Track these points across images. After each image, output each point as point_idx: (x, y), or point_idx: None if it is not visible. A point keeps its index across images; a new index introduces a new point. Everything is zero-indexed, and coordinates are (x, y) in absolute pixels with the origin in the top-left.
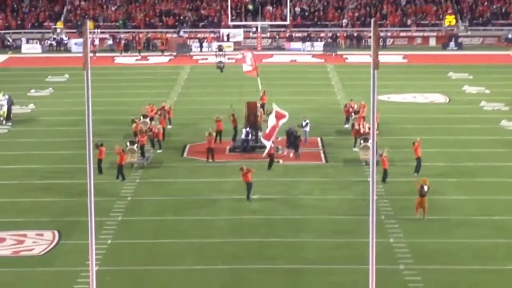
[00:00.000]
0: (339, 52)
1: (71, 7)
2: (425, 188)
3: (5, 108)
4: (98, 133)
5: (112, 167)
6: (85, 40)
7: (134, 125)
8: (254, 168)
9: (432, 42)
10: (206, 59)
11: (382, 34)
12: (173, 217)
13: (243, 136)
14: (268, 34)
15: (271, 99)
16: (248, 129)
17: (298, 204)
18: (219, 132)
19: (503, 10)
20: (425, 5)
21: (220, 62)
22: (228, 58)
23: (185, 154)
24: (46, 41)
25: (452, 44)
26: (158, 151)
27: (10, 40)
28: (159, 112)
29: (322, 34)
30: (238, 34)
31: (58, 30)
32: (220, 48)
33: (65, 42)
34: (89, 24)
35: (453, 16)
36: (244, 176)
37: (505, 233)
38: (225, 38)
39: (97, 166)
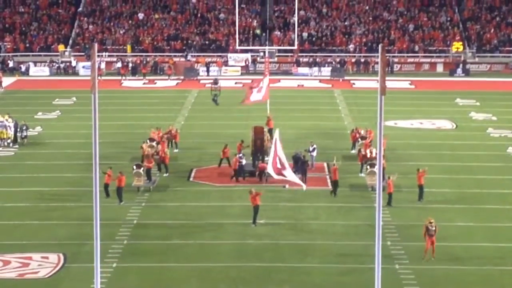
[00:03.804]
0: (346, 77)
1: (79, 30)
2: (432, 227)
3: (11, 131)
4: (105, 156)
5: None
6: (93, 64)
7: (142, 150)
8: (262, 192)
9: (440, 68)
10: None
11: (389, 59)
12: (179, 241)
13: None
14: (276, 59)
15: (278, 124)
16: (240, 154)
17: (304, 229)
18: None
19: (511, 37)
20: (432, 31)
21: (215, 95)
22: (235, 83)
23: (191, 178)
24: (54, 64)
25: (459, 70)
26: (165, 174)
27: (22, 68)
28: (164, 136)
29: (330, 59)
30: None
31: (66, 54)
32: (215, 82)
33: (73, 65)
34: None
35: (461, 43)
36: (253, 199)
37: None
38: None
39: (103, 189)
